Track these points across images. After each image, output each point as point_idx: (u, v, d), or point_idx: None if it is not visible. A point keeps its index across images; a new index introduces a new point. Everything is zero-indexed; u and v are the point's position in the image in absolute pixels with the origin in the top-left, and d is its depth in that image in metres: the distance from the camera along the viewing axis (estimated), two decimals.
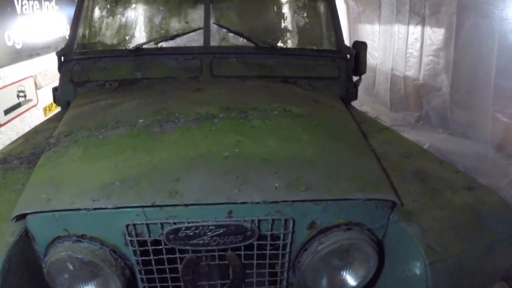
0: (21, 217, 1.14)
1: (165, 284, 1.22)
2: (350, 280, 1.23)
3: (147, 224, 1.12)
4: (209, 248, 1.15)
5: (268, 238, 1.18)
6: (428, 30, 4.58)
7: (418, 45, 4.77)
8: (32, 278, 1.17)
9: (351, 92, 2.27)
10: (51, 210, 1.11)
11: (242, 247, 1.16)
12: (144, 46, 2.14)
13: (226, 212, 1.13)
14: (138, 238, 1.14)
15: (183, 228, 1.11)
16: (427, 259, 1.12)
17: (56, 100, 2.24)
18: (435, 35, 4.45)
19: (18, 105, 4.45)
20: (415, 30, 4.84)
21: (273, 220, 1.13)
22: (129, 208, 1.10)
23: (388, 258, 1.26)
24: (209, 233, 1.12)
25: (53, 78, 4.75)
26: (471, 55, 3.84)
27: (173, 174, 1.18)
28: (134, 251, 1.16)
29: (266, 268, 1.22)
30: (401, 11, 5.17)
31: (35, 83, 4.90)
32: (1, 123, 4.03)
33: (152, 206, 1.10)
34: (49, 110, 5.06)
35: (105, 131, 1.45)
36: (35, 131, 1.87)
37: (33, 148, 1.59)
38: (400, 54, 5.14)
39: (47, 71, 4.94)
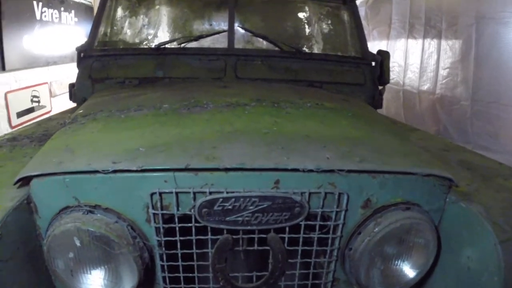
0: (26, 183, 0.98)
1: (190, 275, 1.05)
2: (408, 270, 1.09)
3: (177, 193, 0.95)
4: (249, 228, 0.98)
5: (318, 218, 1.03)
6: (444, 43, 4.50)
7: (435, 58, 4.68)
8: (28, 259, 0.99)
9: (376, 100, 2.22)
10: (61, 173, 0.94)
11: (287, 229, 1.01)
12: (167, 46, 2.07)
13: (272, 181, 0.97)
14: (164, 212, 0.97)
15: (221, 199, 0.94)
16: (496, 238, 0.99)
17: (72, 96, 2.14)
18: (453, 47, 4.37)
19: (31, 110, 4.41)
20: (430, 44, 4.76)
21: (325, 194, 0.99)
22: (157, 172, 0.94)
23: (445, 244, 1.13)
24: (251, 208, 0.95)
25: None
26: (491, 65, 3.74)
27: (209, 143, 1.03)
28: (157, 229, 0.99)
29: (312, 257, 1.07)
30: (414, 26, 5.12)
31: (50, 90, 4.86)
32: (13, 125, 3.97)
33: (185, 169, 0.94)
34: None
35: (127, 112, 1.33)
36: (49, 119, 1.78)
37: (46, 130, 1.49)
38: (413, 69, 5.05)
39: (62, 80, 4.90)
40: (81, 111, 1.48)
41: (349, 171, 0.99)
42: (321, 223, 1.03)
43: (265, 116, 1.27)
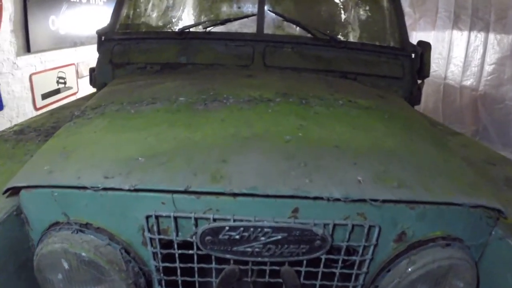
0: (16, 193, 0.90)
1: None
2: None
3: (175, 218, 0.84)
4: (259, 260, 0.86)
5: (343, 252, 0.90)
6: (492, 36, 4.18)
7: (480, 52, 4.37)
8: (21, 270, 0.91)
9: (414, 95, 2.05)
10: (49, 186, 0.85)
11: (304, 262, 0.89)
12: (192, 30, 1.97)
13: (290, 209, 0.85)
14: (161, 237, 0.86)
15: (227, 228, 0.82)
16: None
17: (92, 81, 2.10)
18: (501, 42, 4.05)
19: (57, 91, 4.43)
20: (477, 37, 4.43)
21: (353, 226, 0.86)
22: (153, 193, 0.83)
23: (484, 286, 0.98)
24: (263, 238, 0.83)
25: None
26: None
27: (219, 153, 0.90)
28: (154, 254, 0.89)
29: None
30: (460, 17, 4.78)
31: (77, 71, 4.88)
32: (37, 107, 4.00)
33: (186, 192, 0.82)
34: None
35: (139, 105, 1.23)
36: (63, 107, 1.72)
37: (56, 122, 1.41)
38: (457, 62, 4.73)
39: (89, 61, 4.91)
40: (92, 102, 1.40)
41: (385, 201, 0.84)
42: (345, 257, 0.90)
43: (290, 117, 1.13)
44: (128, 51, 1.96)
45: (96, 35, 2.06)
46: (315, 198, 0.81)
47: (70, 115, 1.47)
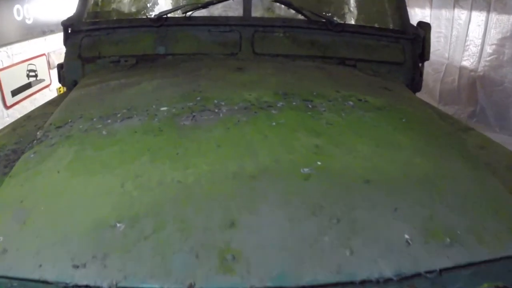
0: None
1: None
2: None
3: None
4: None
5: None
6: (493, 16, 4.06)
7: (481, 32, 4.25)
8: None
9: (416, 81, 1.92)
10: (3, 277, 0.66)
11: None
12: (170, 15, 1.77)
13: None
14: None
15: None
16: None
17: (61, 79, 1.92)
18: (502, 22, 3.94)
19: (28, 86, 4.17)
20: (478, 16, 4.29)
21: None
22: None
23: None
24: None
25: None
26: None
27: (223, 209, 0.72)
28: None
29: None
30: None
31: (48, 62, 4.61)
32: (8, 105, 3.75)
33: None
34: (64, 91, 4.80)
35: (112, 122, 1.04)
36: (28, 117, 1.50)
37: (18, 142, 1.19)
38: (459, 42, 4.60)
39: (62, 50, 4.62)
40: (57, 116, 1.20)
41: (443, 270, 0.68)
42: None
43: (300, 133, 0.95)
44: (98, 43, 1.78)
45: None
46: (363, 282, 0.64)
47: (35, 129, 1.26)
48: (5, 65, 3.67)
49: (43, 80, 4.51)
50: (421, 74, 1.95)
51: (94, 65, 1.76)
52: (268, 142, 0.90)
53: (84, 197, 0.78)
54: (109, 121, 1.04)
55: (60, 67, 1.91)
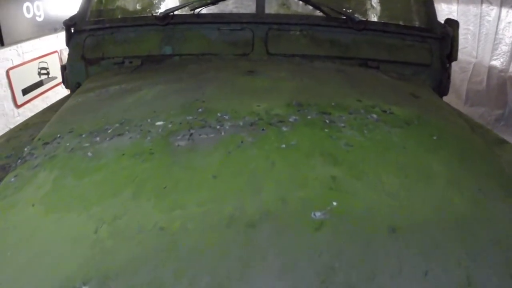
0: None
1: None
2: None
3: None
4: None
5: None
6: None
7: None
8: None
9: (444, 85, 1.80)
10: None
11: None
12: (176, 13, 1.67)
13: None
14: None
15: None
16: None
17: (64, 81, 1.87)
18: None
19: (39, 84, 4.15)
20: (508, 13, 4.04)
21: None
22: None
23: None
24: None
25: None
26: None
27: (209, 275, 0.60)
28: None
29: None
30: None
31: (61, 59, 4.59)
32: (18, 104, 3.73)
33: None
34: None
35: (101, 140, 0.94)
36: (25, 125, 1.43)
37: (9, 156, 1.11)
38: (488, 40, 4.35)
39: None
40: (48, 130, 1.12)
41: None
42: None
43: (314, 160, 0.82)
44: (102, 43, 1.71)
45: None
46: None
47: (30, 140, 1.19)
48: (15, 64, 3.65)
49: (55, 77, 4.48)
50: (448, 77, 1.83)
51: (97, 67, 1.70)
52: (275, 172, 0.77)
53: (53, 244, 0.68)
54: (98, 138, 0.95)
55: (63, 68, 1.86)
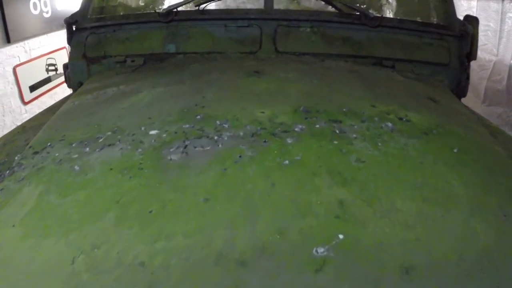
0: None
1: None
2: None
3: None
4: None
5: None
6: None
7: None
8: None
9: (462, 85, 1.72)
10: None
11: None
12: (180, 9, 1.63)
13: None
14: None
15: None
16: None
17: (67, 80, 1.84)
18: None
19: (47, 80, 4.15)
20: None
21: None
22: None
23: None
24: None
25: None
26: None
27: None
28: None
29: None
30: None
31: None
32: (26, 101, 3.72)
33: None
34: None
35: (90, 151, 0.89)
36: (23, 128, 1.40)
37: (2, 163, 1.07)
38: (510, 37, 4.19)
39: None
40: (40, 136, 1.08)
41: None
42: None
43: (321, 179, 0.73)
44: (104, 41, 1.67)
45: None
46: None
47: (25, 145, 1.15)
48: (22, 61, 3.64)
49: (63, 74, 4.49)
50: (467, 77, 1.75)
51: (99, 66, 1.66)
52: (274, 196, 0.69)
53: (28, 275, 0.62)
54: (88, 149, 0.89)
55: (65, 67, 1.83)
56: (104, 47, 1.65)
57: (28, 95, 3.77)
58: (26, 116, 3.67)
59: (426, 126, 0.99)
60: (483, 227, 0.69)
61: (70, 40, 1.74)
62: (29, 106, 3.80)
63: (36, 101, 3.93)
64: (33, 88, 3.87)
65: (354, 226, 0.64)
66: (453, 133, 1.03)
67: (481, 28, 4.82)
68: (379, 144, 0.86)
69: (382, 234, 0.63)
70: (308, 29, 1.59)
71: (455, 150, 0.91)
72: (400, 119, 0.99)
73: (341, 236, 0.61)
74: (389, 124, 0.95)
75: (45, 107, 4.04)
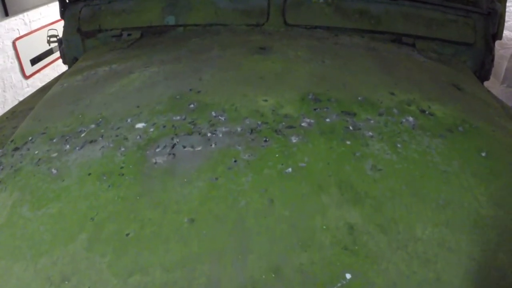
0: None
1: None
2: None
3: None
4: None
5: None
6: None
7: None
8: None
9: (486, 69, 1.62)
10: None
11: None
12: None
13: None
14: None
15: None
16: None
17: (62, 56, 1.78)
18: None
19: (49, 52, 4.07)
20: None
21: None
22: None
23: None
24: None
25: None
26: None
27: None
28: None
29: None
30: None
31: None
32: (27, 75, 3.66)
33: None
34: None
35: (71, 149, 0.82)
36: (12, 113, 1.35)
37: None
38: None
39: None
40: (21, 130, 1.00)
41: None
42: None
43: (328, 195, 0.64)
44: (98, 14, 1.57)
45: None
46: None
47: (11, 133, 1.10)
48: (22, 34, 3.55)
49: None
50: (492, 59, 1.63)
51: (94, 40, 1.58)
52: (271, 218, 0.59)
53: None
54: (68, 146, 0.82)
55: (60, 42, 1.76)
56: (99, 20, 1.56)
57: (29, 69, 3.71)
58: (28, 91, 3.62)
59: (451, 121, 0.90)
60: None
61: (63, 13, 1.66)
62: (30, 80, 3.74)
63: (38, 74, 3.87)
64: (34, 61, 3.80)
65: (365, 262, 0.55)
66: (480, 132, 0.93)
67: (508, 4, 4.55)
68: (399, 145, 0.77)
69: (397, 273, 0.54)
70: (321, 0, 1.47)
71: (483, 154, 0.82)
72: (423, 111, 0.89)
73: (348, 276, 0.53)
74: (410, 119, 0.85)
75: (48, 80, 3.97)
